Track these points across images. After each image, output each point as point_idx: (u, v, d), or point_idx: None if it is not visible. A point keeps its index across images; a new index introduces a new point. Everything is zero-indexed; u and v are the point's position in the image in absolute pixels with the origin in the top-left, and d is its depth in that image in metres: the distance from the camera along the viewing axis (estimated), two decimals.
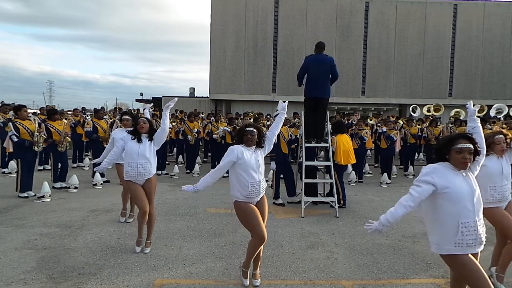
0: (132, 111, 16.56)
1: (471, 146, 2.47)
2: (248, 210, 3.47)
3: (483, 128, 3.67)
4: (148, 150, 4.36)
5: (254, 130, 3.53)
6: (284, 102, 4.22)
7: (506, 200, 3.55)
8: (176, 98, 4.53)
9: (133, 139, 4.37)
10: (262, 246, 3.52)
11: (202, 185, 3.55)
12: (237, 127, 10.42)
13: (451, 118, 12.43)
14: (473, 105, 3.19)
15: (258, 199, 3.58)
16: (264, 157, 3.67)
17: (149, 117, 5.42)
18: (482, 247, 2.52)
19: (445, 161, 2.55)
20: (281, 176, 8.16)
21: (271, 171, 8.99)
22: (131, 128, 4.68)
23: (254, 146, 3.55)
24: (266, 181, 8.72)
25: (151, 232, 4.46)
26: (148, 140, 4.41)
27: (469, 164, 2.48)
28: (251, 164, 3.45)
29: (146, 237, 4.44)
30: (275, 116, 7.19)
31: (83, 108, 16.90)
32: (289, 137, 7.22)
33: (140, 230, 4.42)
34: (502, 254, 3.58)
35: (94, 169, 7.29)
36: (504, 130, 7.32)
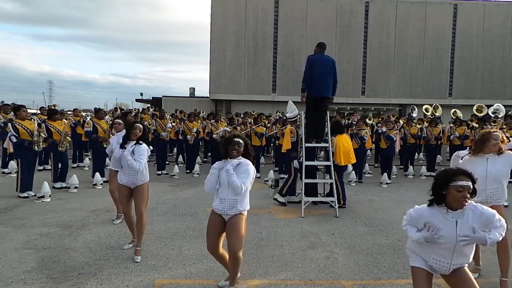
0: (132, 111, 16.55)
1: (471, 184, 2.31)
2: (209, 221, 3.42)
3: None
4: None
5: (242, 141, 3.31)
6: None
7: (489, 203, 3.39)
8: None
9: (122, 147, 4.24)
10: (234, 263, 3.34)
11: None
12: (237, 127, 10.47)
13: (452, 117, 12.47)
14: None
15: (226, 215, 3.33)
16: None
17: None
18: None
19: (441, 196, 2.39)
20: (281, 176, 8.14)
21: (271, 171, 9.02)
22: (124, 132, 4.50)
23: (240, 158, 3.33)
24: (265, 181, 8.85)
25: (139, 239, 4.21)
26: (135, 144, 4.23)
27: (466, 204, 2.33)
28: (222, 179, 3.27)
29: (136, 244, 4.24)
30: (289, 119, 7.22)
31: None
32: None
33: (130, 231, 4.48)
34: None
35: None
36: (504, 130, 7.33)
